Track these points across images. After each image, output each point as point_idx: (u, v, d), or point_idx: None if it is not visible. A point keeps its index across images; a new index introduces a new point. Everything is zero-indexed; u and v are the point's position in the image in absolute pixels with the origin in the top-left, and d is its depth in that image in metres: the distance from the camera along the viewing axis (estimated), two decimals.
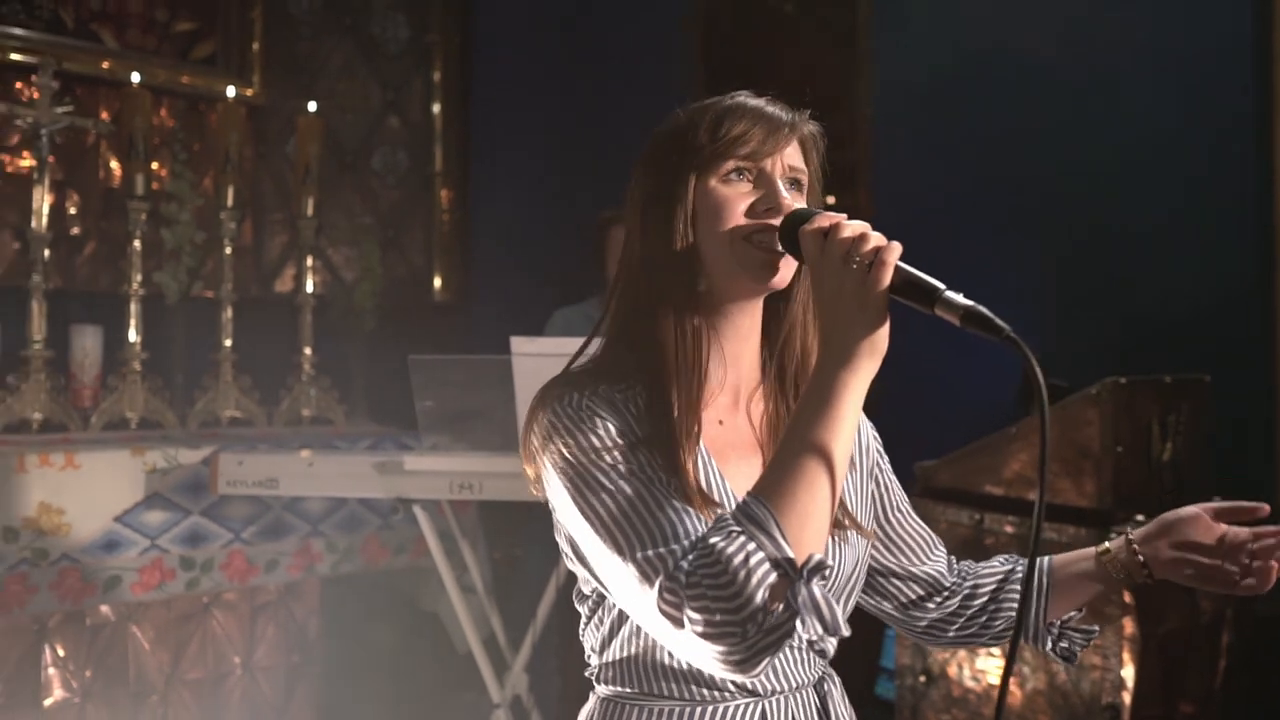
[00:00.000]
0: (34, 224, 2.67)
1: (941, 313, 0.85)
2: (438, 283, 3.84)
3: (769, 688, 1.00)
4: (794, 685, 1.02)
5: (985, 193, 2.71)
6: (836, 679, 1.09)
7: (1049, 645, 1.14)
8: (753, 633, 0.80)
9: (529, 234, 3.84)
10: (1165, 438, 1.82)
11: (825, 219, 0.91)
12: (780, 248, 0.97)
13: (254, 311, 3.14)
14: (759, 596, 0.80)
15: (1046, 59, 2.57)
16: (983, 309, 0.83)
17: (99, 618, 2.30)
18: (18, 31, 3.02)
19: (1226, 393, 2.09)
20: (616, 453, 0.92)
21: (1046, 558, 1.14)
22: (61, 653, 2.24)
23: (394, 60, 3.82)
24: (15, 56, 2.99)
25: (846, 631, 0.85)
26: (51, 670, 2.22)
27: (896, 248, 0.87)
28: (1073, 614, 1.15)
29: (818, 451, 0.86)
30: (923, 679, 1.96)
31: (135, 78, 2.85)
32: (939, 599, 1.16)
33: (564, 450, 0.93)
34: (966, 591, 1.16)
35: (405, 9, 3.82)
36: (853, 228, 0.89)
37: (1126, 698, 1.64)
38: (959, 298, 0.84)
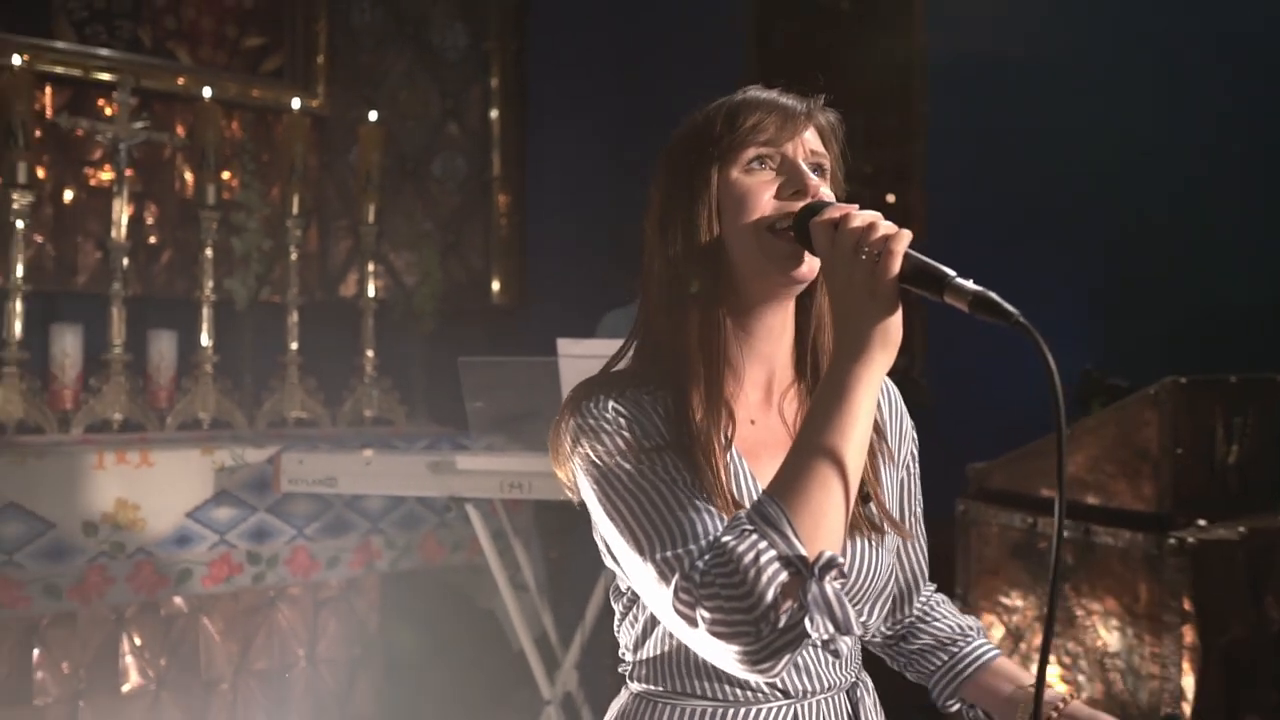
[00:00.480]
0: (113, 234, 2.81)
1: (951, 299, 0.84)
2: (496, 285, 3.91)
3: (801, 689, 1.00)
4: (826, 687, 1.02)
5: (1044, 187, 2.65)
6: (870, 686, 1.09)
7: (958, 708, 1.14)
8: (766, 632, 0.80)
9: (586, 236, 3.88)
10: (1231, 440, 1.75)
11: (836, 210, 0.91)
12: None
13: (319, 315, 3.25)
14: (769, 594, 0.80)
15: (1103, 53, 2.50)
16: (992, 294, 0.82)
17: (172, 609, 2.41)
18: (101, 51, 3.18)
19: None
20: (641, 454, 0.93)
21: (994, 653, 1.13)
22: (138, 641, 2.36)
23: (453, 68, 3.90)
24: (98, 75, 3.15)
25: (859, 631, 0.84)
26: (129, 658, 2.34)
27: (906, 235, 0.86)
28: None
29: (831, 448, 0.85)
30: None
31: (206, 93, 2.97)
32: (896, 645, 1.19)
33: (590, 453, 0.94)
34: (903, 634, 1.18)
35: (464, 18, 3.90)
36: (862, 217, 0.88)
37: (1186, 708, 1.59)
38: (968, 284, 0.83)
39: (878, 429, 1.06)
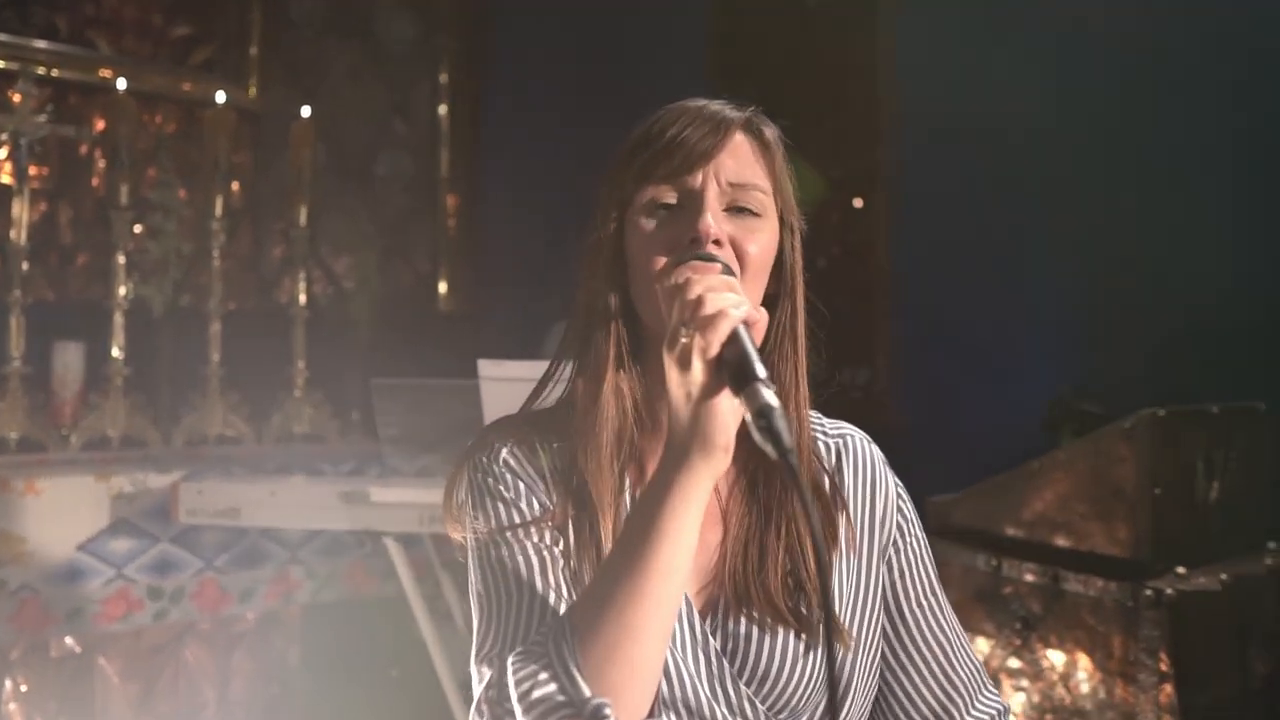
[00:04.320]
0: (13, 235, 2.60)
1: (743, 401, 0.69)
2: (443, 289, 3.72)
3: None
4: None
5: (1020, 194, 2.49)
6: None
7: None
8: None
9: (544, 240, 3.70)
10: (1212, 476, 1.60)
11: (683, 272, 0.76)
12: None
13: (248, 324, 3.05)
14: None
15: (1084, 58, 2.35)
16: (779, 420, 0.66)
17: (64, 649, 2.20)
18: (10, 39, 2.95)
19: None
20: (512, 530, 0.84)
21: None
22: (24, 686, 2.15)
23: (400, 62, 3.70)
24: (6, 64, 2.92)
25: None
26: (12, 705, 2.13)
27: (730, 319, 0.71)
28: None
29: (636, 570, 0.73)
30: None
31: (121, 84, 2.76)
32: None
33: (473, 520, 0.87)
34: None
35: (412, 9, 3.71)
36: (702, 285, 0.73)
37: None
38: (768, 394, 0.68)
39: (837, 499, 0.89)
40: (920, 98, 2.68)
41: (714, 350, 0.71)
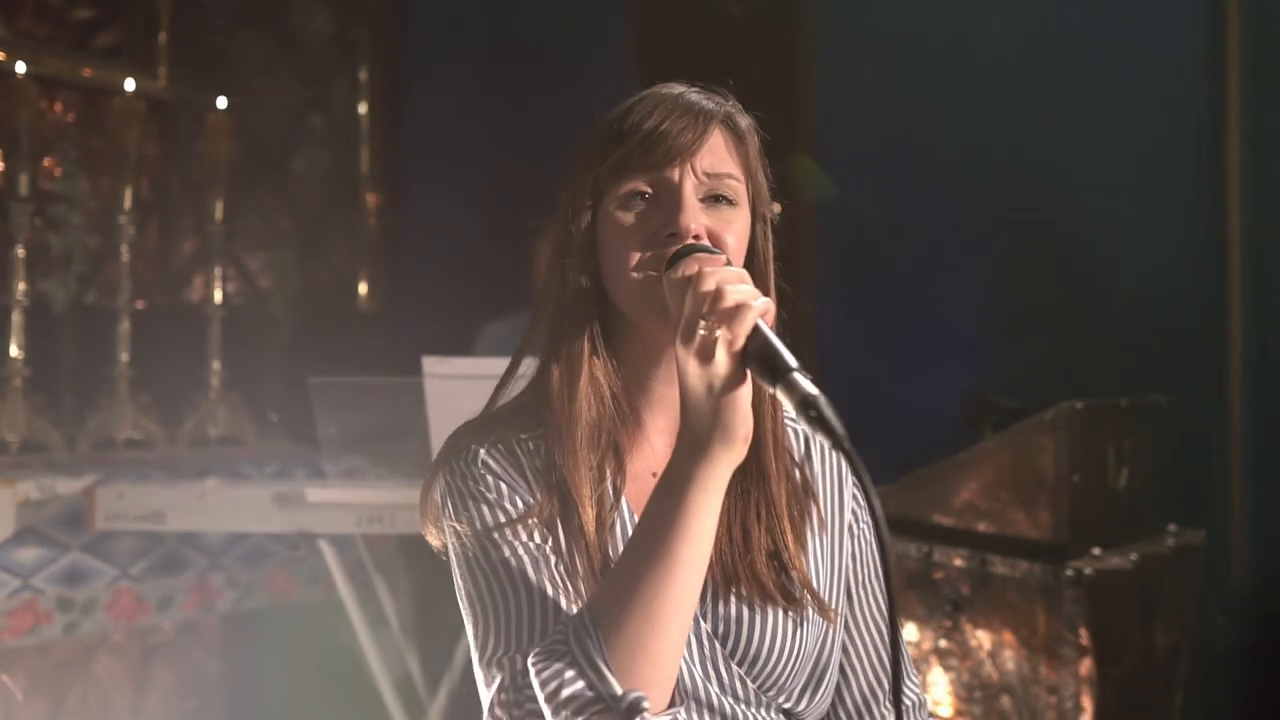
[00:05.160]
0: None
1: (781, 393, 0.71)
2: (363, 289, 3.64)
3: None
4: None
5: (935, 199, 2.61)
6: None
7: None
8: None
9: (464, 239, 3.66)
10: (1122, 464, 1.72)
11: (691, 264, 0.78)
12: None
13: (157, 322, 2.91)
14: None
15: (999, 65, 2.48)
16: (824, 405, 0.69)
17: None
18: None
19: (1180, 406, 2.01)
20: (502, 528, 0.83)
21: None
22: None
23: (316, 55, 3.60)
24: None
25: None
26: None
27: (754, 310, 0.73)
28: None
29: (660, 563, 0.74)
30: None
31: (20, 68, 2.61)
32: None
33: (455, 524, 0.85)
34: None
35: (328, 2, 3.61)
36: (715, 279, 0.75)
37: None
38: (805, 382, 0.70)
39: (806, 486, 0.93)
40: (840, 105, 2.79)
41: (740, 342, 0.73)
